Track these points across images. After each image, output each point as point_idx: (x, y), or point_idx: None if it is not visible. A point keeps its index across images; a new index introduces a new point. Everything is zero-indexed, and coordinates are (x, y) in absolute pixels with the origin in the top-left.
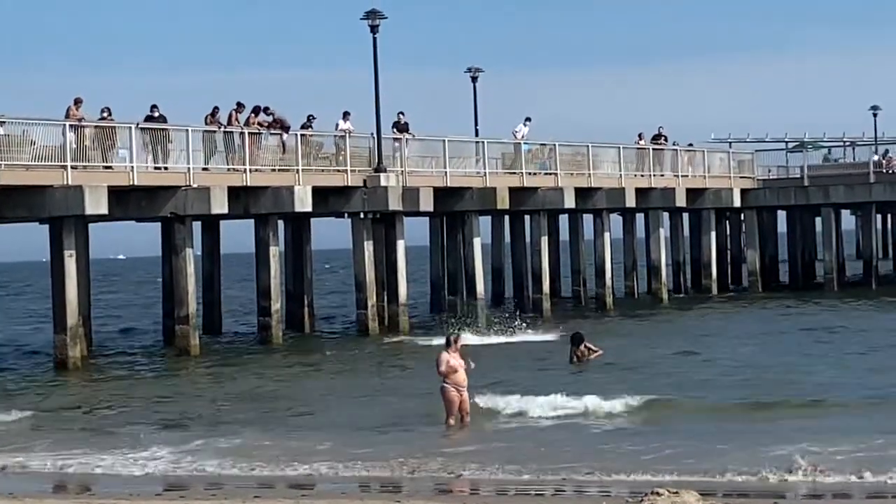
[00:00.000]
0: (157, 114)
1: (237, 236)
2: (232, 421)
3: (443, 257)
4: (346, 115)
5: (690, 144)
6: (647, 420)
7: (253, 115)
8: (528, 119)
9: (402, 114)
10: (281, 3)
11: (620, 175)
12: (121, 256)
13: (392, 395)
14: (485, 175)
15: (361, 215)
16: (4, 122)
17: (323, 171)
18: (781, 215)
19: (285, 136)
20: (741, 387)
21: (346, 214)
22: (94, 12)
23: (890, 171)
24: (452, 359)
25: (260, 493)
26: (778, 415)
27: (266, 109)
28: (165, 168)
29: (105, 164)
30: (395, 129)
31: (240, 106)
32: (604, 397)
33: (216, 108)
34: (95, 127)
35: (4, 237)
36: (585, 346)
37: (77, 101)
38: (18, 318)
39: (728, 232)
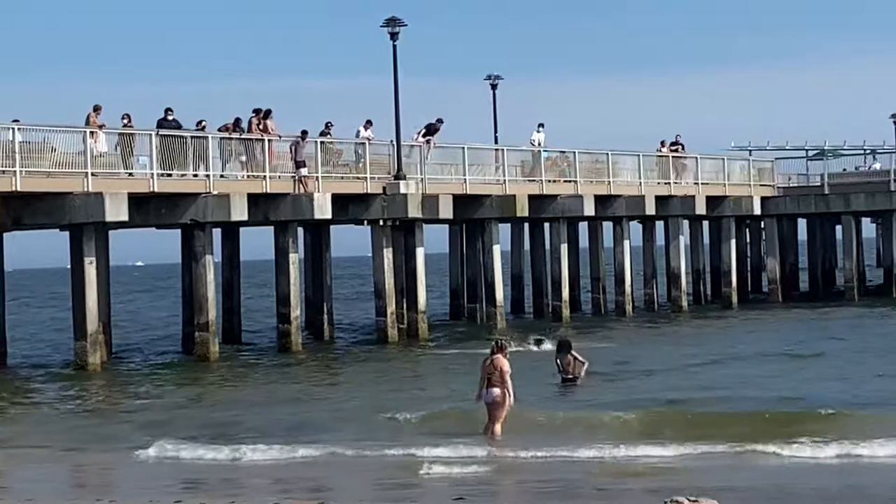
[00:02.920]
0: (171, 117)
1: (256, 244)
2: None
3: (462, 265)
4: (367, 124)
5: (679, 145)
6: None
7: (265, 119)
8: (541, 125)
9: (441, 121)
10: (300, 11)
11: (640, 182)
12: (139, 263)
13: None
14: (504, 182)
15: (381, 222)
16: (24, 130)
17: (342, 178)
18: (802, 223)
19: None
20: None
21: (365, 222)
22: (111, 20)
23: None
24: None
25: (278, 500)
26: None
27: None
28: (195, 175)
29: (128, 172)
30: (425, 130)
31: (257, 112)
32: None
33: (238, 119)
34: (119, 134)
35: (24, 244)
36: (572, 356)
37: (96, 108)
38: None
39: (748, 240)
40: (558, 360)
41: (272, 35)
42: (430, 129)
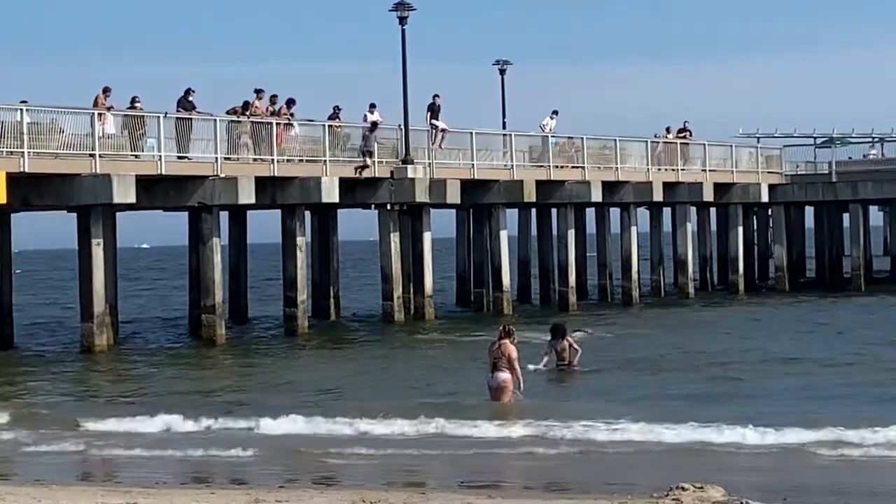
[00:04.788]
0: (190, 98)
1: (264, 227)
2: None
3: (469, 250)
4: (372, 107)
5: (687, 132)
6: None
7: (285, 106)
8: (555, 112)
9: (437, 96)
10: None
11: (648, 169)
12: (145, 245)
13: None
14: (512, 168)
15: (388, 207)
16: (31, 111)
17: (350, 161)
18: (809, 211)
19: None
20: None
21: (372, 206)
22: (122, 2)
23: None
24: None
25: (285, 485)
26: None
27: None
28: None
29: (134, 154)
30: (429, 112)
31: (259, 92)
32: None
33: (247, 103)
34: (124, 116)
35: (32, 225)
36: (568, 341)
37: (105, 90)
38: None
39: (755, 227)
40: (551, 347)
41: (279, 19)
42: (433, 110)
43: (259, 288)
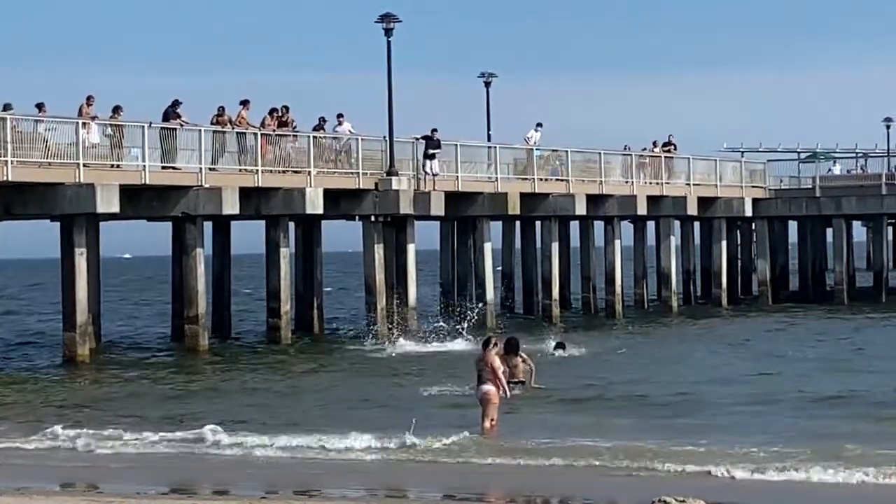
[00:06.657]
0: (178, 108)
1: (248, 237)
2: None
3: (453, 262)
4: (339, 118)
5: (672, 146)
6: None
7: (269, 116)
8: (539, 125)
9: (435, 131)
10: (292, 4)
11: (632, 182)
12: (127, 255)
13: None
14: (496, 180)
15: (372, 218)
16: (16, 119)
17: (335, 173)
18: (792, 225)
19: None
20: None
21: (357, 217)
22: (102, 12)
23: None
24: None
25: (267, 496)
26: None
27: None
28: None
29: (112, 164)
30: (425, 142)
31: (245, 103)
32: None
33: (222, 108)
34: (108, 125)
35: (15, 234)
36: (521, 357)
37: (89, 99)
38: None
39: (739, 241)
40: (504, 362)
41: (264, 29)
42: (430, 144)
43: (241, 298)
